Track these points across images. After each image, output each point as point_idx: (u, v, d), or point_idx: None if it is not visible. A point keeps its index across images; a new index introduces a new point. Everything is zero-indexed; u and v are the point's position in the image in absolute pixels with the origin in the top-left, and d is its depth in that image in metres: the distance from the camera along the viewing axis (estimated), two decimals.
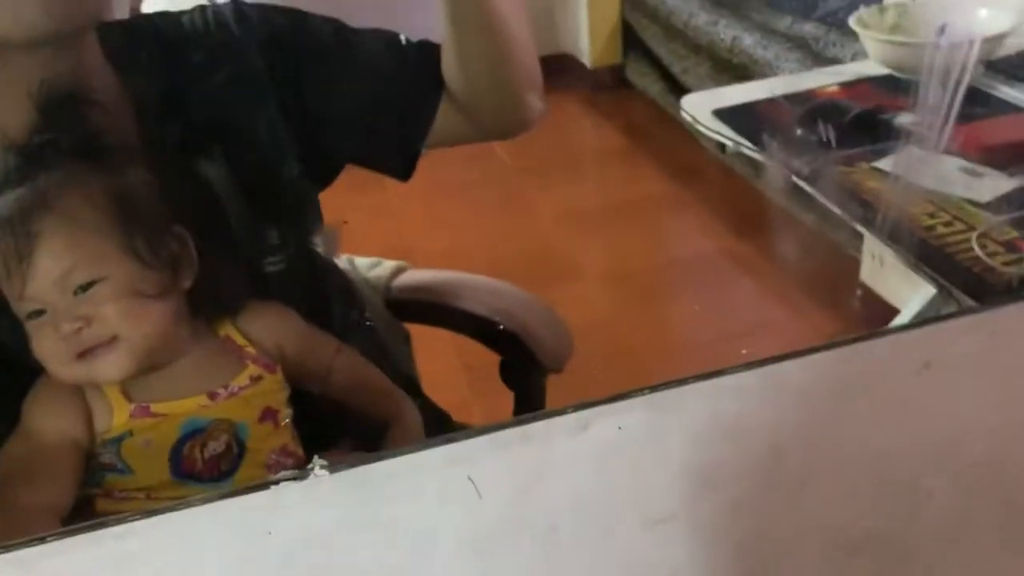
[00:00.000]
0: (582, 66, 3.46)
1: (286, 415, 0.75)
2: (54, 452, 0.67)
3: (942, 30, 1.03)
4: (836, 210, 1.01)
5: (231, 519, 0.39)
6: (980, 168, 1.04)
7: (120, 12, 0.83)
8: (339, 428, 0.82)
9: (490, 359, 1.07)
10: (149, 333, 0.67)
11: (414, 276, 1.12)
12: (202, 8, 0.82)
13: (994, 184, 1.02)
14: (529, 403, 1.07)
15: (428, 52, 0.83)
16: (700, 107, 1.34)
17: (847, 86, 1.37)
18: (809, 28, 2.33)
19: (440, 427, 0.95)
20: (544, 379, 1.07)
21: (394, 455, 0.41)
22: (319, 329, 0.81)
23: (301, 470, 0.38)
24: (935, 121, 0.98)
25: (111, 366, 0.66)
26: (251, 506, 0.39)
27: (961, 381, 0.47)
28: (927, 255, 0.92)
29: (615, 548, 0.43)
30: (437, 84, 0.82)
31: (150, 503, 0.69)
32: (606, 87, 3.41)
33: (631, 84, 3.38)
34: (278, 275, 0.82)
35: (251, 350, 0.75)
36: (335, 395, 0.81)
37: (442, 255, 2.40)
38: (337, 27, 0.84)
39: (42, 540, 0.36)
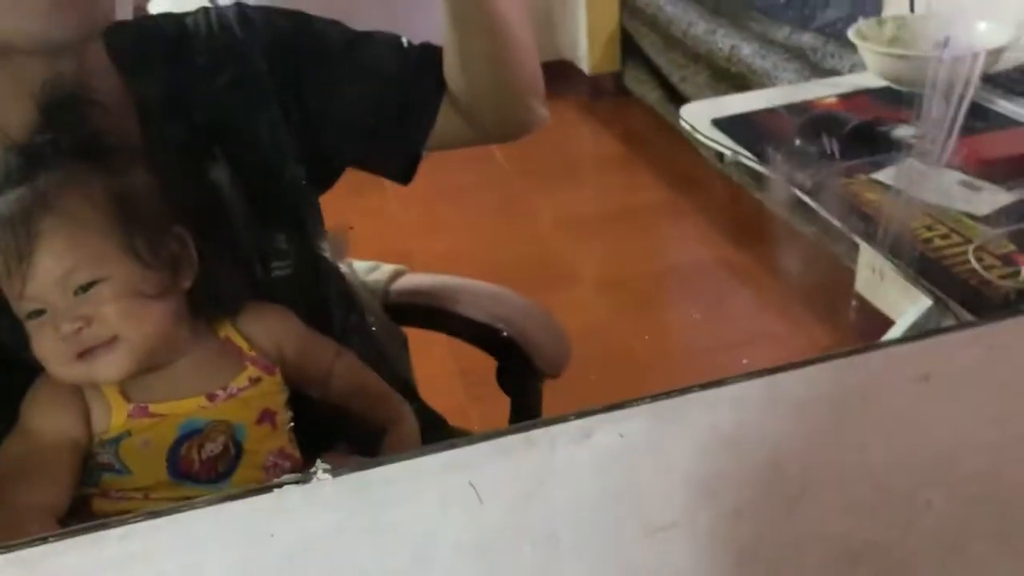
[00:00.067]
0: (581, 73, 3.47)
1: (284, 417, 0.75)
2: (52, 451, 0.67)
3: (945, 43, 1.03)
4: (834, 221, 1.01)
5: (233, 521, 0.39)
6: (978, 182, 1.05)
7: (123, 12, 0.83)
8: (336, 431, 0.82)
9: (486, 363, 1.07)
10: (149, 333, 0.68)
11: (412, 280, 1.12)
12: (206, 10, 0.83)
13: (992, 198, 1.02)
14: (526, 408, 1.07)
15: (430, 55, 0.83)
16: (699, 116, 1.34)
17: (845, 98, 1.37)
18: (807, 39, 2.33)
19: (436, 431, 0.95)
20: (541, 385, 1.07)
21: (396, 460, 0.41)
22: (318, 332, 0.81)
23: (304, 473, 0.39)
24: (938, 135, 0.98)
25: (111, 366, 0.67)
26: (253, 508, 0.39)
27: (959, 394, 0.47)
28: (924, 267, 0.93)
29: (615, 555, 0.43)
30: (438, 87, 0.83)
31: (147, 503, 0.69)
32: (604, 94, 3.42)
33: (629, 91, 3.39)
34: (285, 279, 0.82)
35: (250, 352, 0.75)
36: (333, 398, 0.81)
37: (440, 259, 2.40)
38: (339, 29, 0.85)
39: (44, 540, 0.36)
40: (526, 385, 1.07)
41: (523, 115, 0.84)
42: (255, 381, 0.73)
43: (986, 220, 0.99)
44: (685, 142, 1.98)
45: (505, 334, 1.02)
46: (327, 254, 0.87)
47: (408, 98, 0.84)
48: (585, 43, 3.39)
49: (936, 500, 0.45)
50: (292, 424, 0.75)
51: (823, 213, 1.03)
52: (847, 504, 0.45)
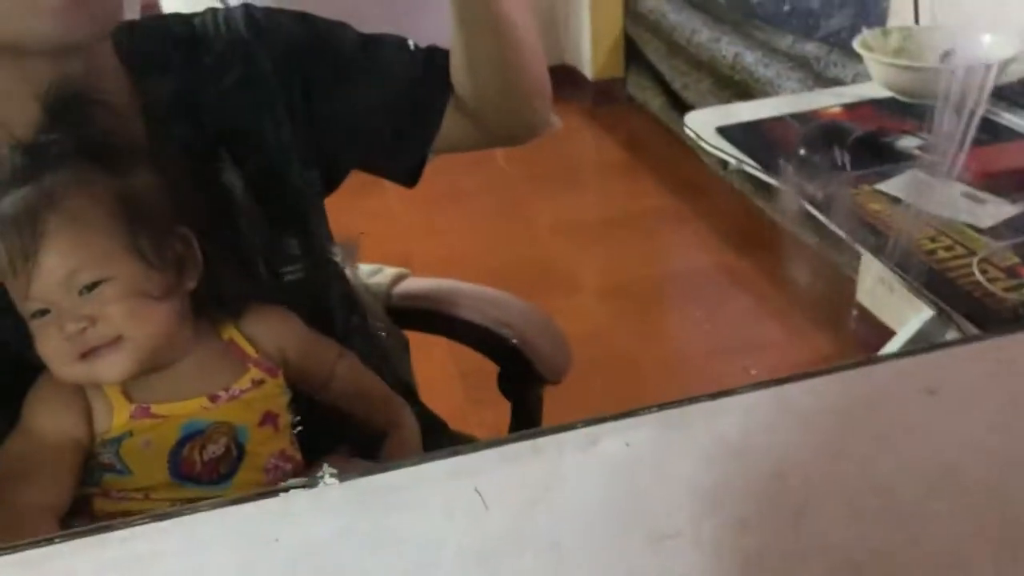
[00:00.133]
0: (584, 78, 3.47)
1: (287, 419, 0.75)
2: (54, 451, 0.67)
3: (946, 55, 1.04)
4: (839, 232, 1.01)
5: (238, 524, 0.39)
6: (982, 194, 1.05)
7: (131, 12, 0.83)
8: (337, 434, 0.82)
9: (486, 367, 1.07)
10: (153, 333, 0.67)
11: (414, 284, 1.12)
12: (213, 11, 0.83)
13: (996, 210, 1.02)
14: (526, 414, 1.07)
15: (436, 57, 0.83)
16: (704, 124, 1.34)
17: (850, 108, 1.38)
18: (811, 48, 2.34)
19: (437, 435, 0.95)
20: (542, 390, 1.07)
21: (402, 466, 0.41)
22: (321, 334, 0.81)
23: (311, 478, 0.38)
24: (948, 147, 0.98)
25: (115, 367, 0.66)
26: (259, 512, 0.39)
27: (966, 407, 0.47)
28: (927, 279, 0.93)
29: (620, 562, 0.43)
30: (445, 89, 0.83)
31: (148, 504, 0.69)
32: (607, 100, 3.42)
33: (632, 97, 3.39)
34: (296, 284, 0.82)
35: (254, 354, 0.75)
36: (335, 401, 0.81)
37: (441, 263, 2.41)
38: (346, 32, 0.85)
39: (49, 542, 0.36)
40: (527, 390, 1.07)
41: (530, 118, 0.84)
42: (258, 383, 0.73)
43: (990, 232, 0.99)
44: (687, 149, 1.98)
45: (507, 340, 1.02)
46: (336, 258, 0.87)
47: (414, 100, 0.84)
48: (589, 48, 3.40)
49: (941, 512, 0.45)
50: (304, 429, 0.75)
51: (826, 222, 1.03)
52: (852, 515, 0.45)
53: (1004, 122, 1.25)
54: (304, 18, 0.84)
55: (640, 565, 0.43)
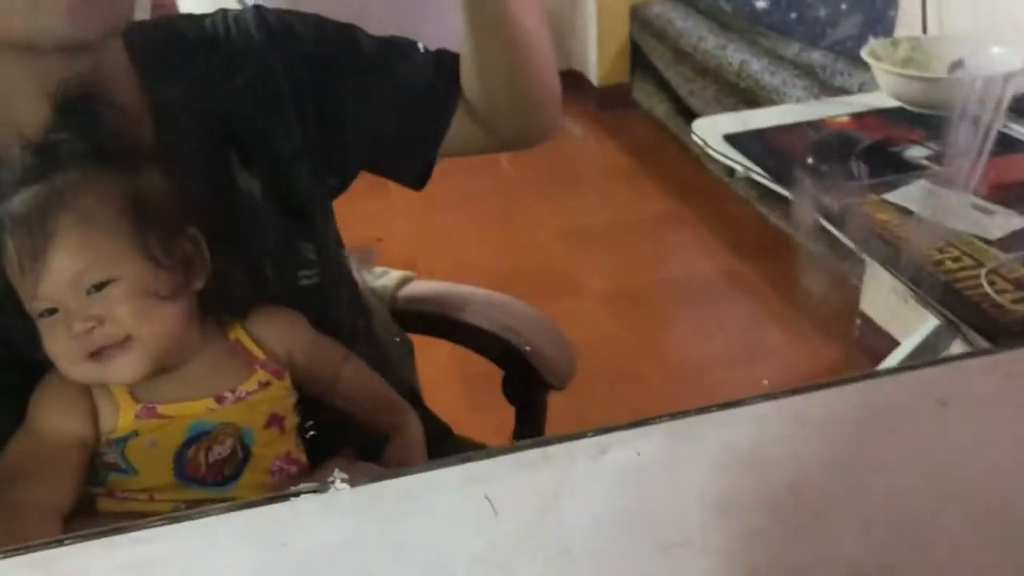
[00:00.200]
0: (589, 83, 3.47)
1: (292, 422, 0.75)
2: (59, 450, 0.67)
3: (955, 66, 1.04)
4: (847, 241, 1.01)
5: (249, 528, 0.39)
6: (991, 205, 1.05)
7: (141, 12, 0.83)
8: (341, 437, 0.81)
9: (490, 371, 1.07)
10: (161, 334, 0.67)
11: (420, 287, 1.12)
12: (224, 12, 0.83)
13: (1004, 221, 1.02)
14: (530, 419, 1.07)
15: (445, 60, 0.83)
16: (710, 131, 1.34)
17: (857, 117, 1.37)
18: (817, 56, 2.34)
19: (441, 439, 0.95)
20: (546, 395, 1.07)
21: (412, 472, 0.41)
22: (327, 337, 0.81)
23: (322, 483, 0.38)
24: (961, 159, 0.98)
25: (124, 368, 0.66)
26: (269, 516, 0.39)
27: (978, 420, 0.47)
28: (935, 290, 0.93)
29: (629, 571, 0.43)
30: (454, 92, 0.83)
31: (152, 504, 0.68)
32: (612, 105, 3.42)
33: (637, 103, 3.39)
34: (312, 288, 0.82)
35: (260, 355, 0.75)
36: (340, 403, 0.81)
37: (444, 266, 2.41)
38: (356, 34, 0.85)
39: (60, 543, 0.36)
40: (531, 395, 1.07)
41: (539, 122, 0.84)
42: (264, 385, 0.73)
43: (999, 244, 0.99)
44: (692, 155, 1.98)
45: (513, 345, 1.02)
46: (349, 263, 0.87)
47: (423, 103, 0.84)
48: (594, 54, 3.40)
49: (952, 526, 0.45)
50: (308, 432, 0.75)
51: (834, 231, 1.03)
52: (862, 527, 0.45)
53: (1013, 134, 1.25)
54: (315, 20, 0.84)
55: (650, 573, 0.43)
